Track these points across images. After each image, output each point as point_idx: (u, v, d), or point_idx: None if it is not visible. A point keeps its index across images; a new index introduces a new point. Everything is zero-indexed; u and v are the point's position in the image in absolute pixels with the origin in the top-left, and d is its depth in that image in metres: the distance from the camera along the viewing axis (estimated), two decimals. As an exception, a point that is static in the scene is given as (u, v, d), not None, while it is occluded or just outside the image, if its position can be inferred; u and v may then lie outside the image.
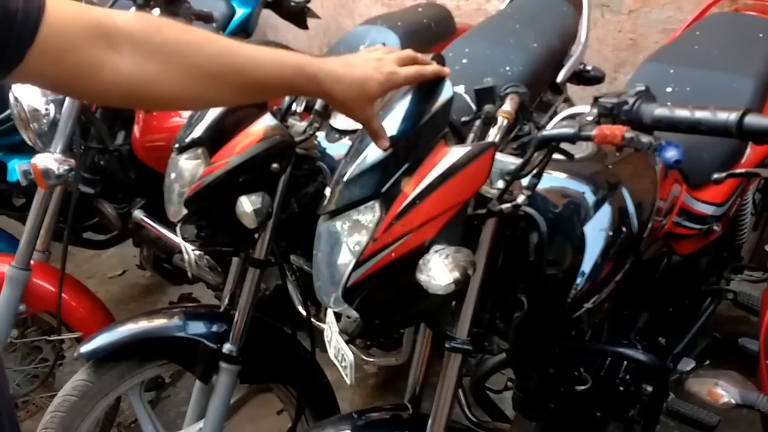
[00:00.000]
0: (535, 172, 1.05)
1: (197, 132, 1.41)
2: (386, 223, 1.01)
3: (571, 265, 1.17)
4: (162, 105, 0.96)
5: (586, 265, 1.17)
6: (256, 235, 1.44)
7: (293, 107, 1.52)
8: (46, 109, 1.72)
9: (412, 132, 1.03)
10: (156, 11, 1.72)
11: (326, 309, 1.61)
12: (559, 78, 2.11)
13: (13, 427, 0.69)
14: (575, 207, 1.19)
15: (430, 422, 1.14)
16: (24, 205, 2.27)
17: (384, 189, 1.03)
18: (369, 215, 1.04)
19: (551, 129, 1.01)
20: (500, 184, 1.09)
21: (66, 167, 1.62)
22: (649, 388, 1.40)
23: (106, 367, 1.46)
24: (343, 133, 1.58)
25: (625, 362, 1.40)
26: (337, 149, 1.58)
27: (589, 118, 0.97)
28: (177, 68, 0.80)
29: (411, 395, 1.30)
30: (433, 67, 1.04)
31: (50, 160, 1.60)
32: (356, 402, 2.16)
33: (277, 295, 1.83)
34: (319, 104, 1.44)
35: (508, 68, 1.90)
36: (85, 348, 1.45)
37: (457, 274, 0.93)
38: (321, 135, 1.58)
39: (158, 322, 1.50)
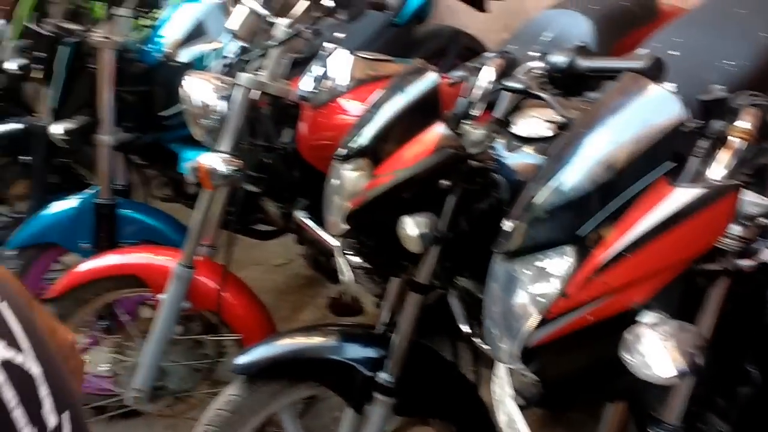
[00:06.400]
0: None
1: (362, 140, 1.27)
2: (582, 277, 0.80)
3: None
4: None
5: None
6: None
7: (470, 111, 1.33)
8: (215, 105, 1.67)
9: (627, 161, 0.81)
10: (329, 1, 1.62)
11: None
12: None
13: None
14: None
15: None
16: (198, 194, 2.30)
17: (581, 232, 0.82)
18: (558, 263, 0.84)
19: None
20: (736, 229, 0.84)
21: (233, 167, 1.56)
22: None
23: (259, 383, 1.39)
24: (526, 141, 1.37)
25: None
26: (518, 159, 1.37)
27: None
28: None
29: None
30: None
31: (217, 160, 1.55)
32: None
33: (439, 307, 1.68)
34: (499, 112, 1.24)
35: (732, 63, 1.58)
36: (241, 361, 1.38)
37: (682, 365, 0.71)
38: (499, 142, 1.39)
39: (314, 340, 1.41)
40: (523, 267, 0.88)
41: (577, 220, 0.83)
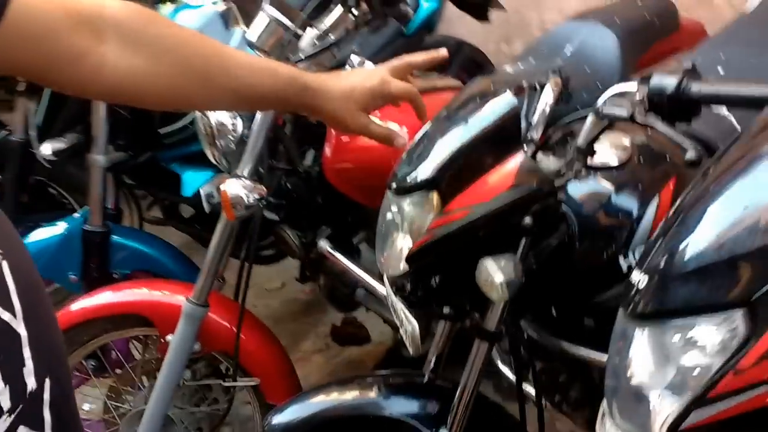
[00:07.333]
0: None
1: (427, 171, 1.12)
2: (761, 351, 0.67)
3: None
4: (148, 102, 0.88)
5: None
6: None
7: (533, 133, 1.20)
8: (233, 125, 1.50)
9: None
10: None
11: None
12: None
13: None
14: None
15: None
16: (193, 217, 2.11)
17: (756, 295, 0.69)
18: (720, 332, 0.71)
19: None
20: None
21: (256, 196, 1.39)
22: None
23: (300, 446, 1.23)
24: (596, 170, 1.24)
25: None
26: (583, 189, 1.25)
27: None
28: (168, 64, 0.78)
29: None
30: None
31: (240, 188, 1.38)
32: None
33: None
34: (581, 140, 1.11)
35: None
36: (276, 421, 1.22)
37: None
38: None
39: (354, 395, 1.25)
40: (668, 332, 0.75)
41: (748, 281, 0.70)
